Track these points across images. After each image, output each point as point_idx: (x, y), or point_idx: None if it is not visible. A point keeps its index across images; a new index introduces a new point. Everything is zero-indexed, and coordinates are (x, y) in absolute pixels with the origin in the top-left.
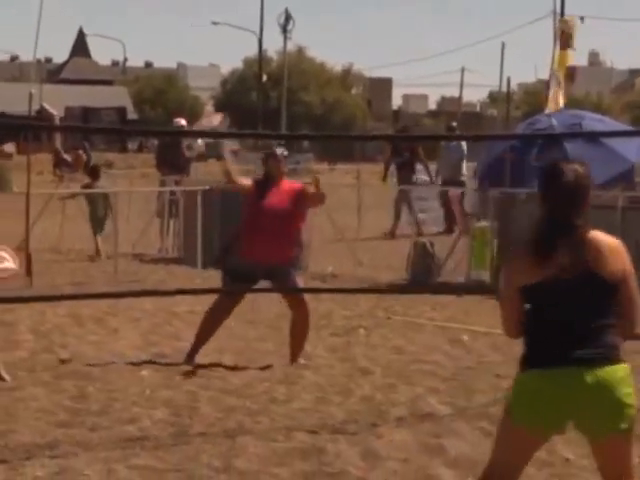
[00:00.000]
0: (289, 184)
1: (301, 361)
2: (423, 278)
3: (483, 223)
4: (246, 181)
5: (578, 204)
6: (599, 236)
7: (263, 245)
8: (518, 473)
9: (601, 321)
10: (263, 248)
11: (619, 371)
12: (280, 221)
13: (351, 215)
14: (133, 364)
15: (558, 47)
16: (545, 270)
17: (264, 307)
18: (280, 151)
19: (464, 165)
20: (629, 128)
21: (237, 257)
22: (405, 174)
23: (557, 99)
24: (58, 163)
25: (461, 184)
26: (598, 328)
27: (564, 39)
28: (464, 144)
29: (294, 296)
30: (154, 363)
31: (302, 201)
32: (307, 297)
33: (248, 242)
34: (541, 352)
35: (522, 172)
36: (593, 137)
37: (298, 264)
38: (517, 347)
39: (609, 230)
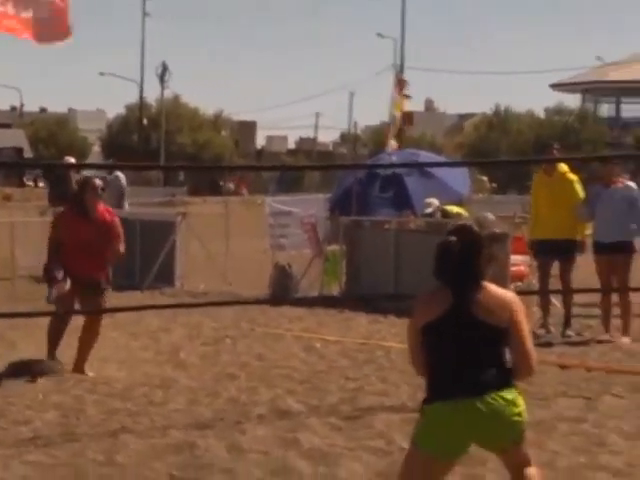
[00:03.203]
0: (103, 210)
1: (89, 373)
2: (282, 294)
3: (334, 246)
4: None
5: (470, 264)
6: (489, 288)
7: (81, 264)
8: None
9: (488, 357)
10: (81, 266)
11: (508, 395)
12: (96, 242)
13: (221, 240)
14: (29, 373)
15: (396, 95)
16: (440, 311)
17: (147, 320)
18: (98, 182)
19: (126, 199)
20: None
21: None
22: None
23: (391, 139)
24: None
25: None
26: (486, 362)
27: (400, 88)
28: (123, 180)
29: (93, 310)
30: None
31: (113, 227)
32: (181, 311)
33: (69, 261)
34: (440, 385)
35: (367, 203)
36: (428, 172)
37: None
38: (363, 354)
39: None
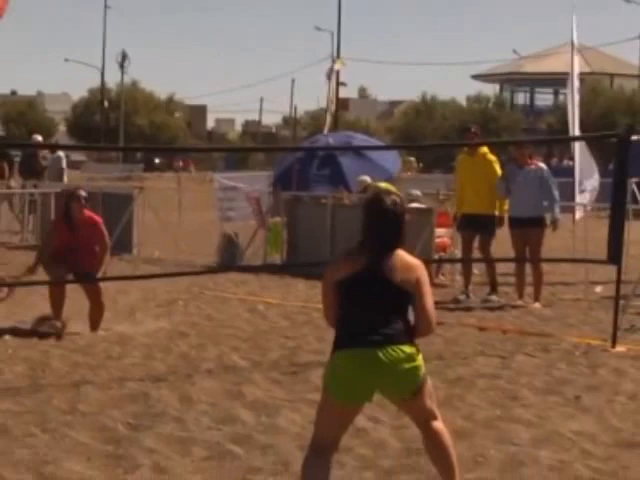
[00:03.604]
0: (89, 217)
1: (100, 332)
2: (229, 261)
3: (276, 218)
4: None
5: (390, 228)
6: (400, 253)
7: (75, 261)
8: (338, 439)
9: (393, 314)
10: (75, 263)
11: (407, 349)
12: (86, 245)
13: (174, 212)
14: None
15: (333, 82)
16: (355, 269)
17: (106, 284)
18: (83, 193)
19: (65, 175)
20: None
21: (55, 259)
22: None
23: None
24: None
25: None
26: (390, 318)
27: (337, 76)
28: (63, 160)
29: (93, 293)
30: (16, 329)
31: (99, 229)
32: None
33: (64, 255)
34: (346, 336)
35: (306, 180)
36: (361, 153)
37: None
38: (301, 315)
39: None
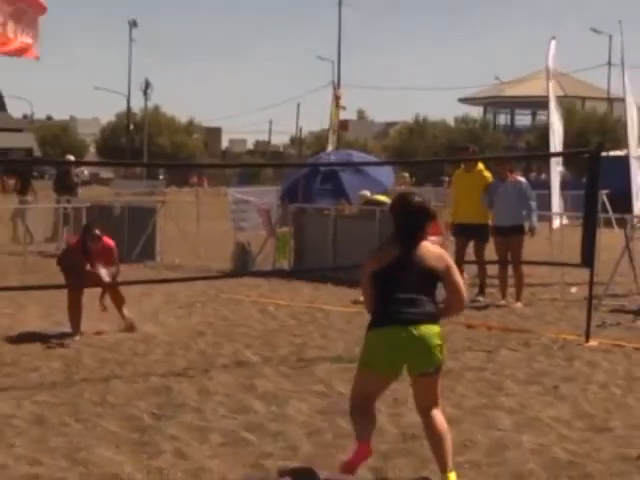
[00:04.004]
0: (103, 245)
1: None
2: (242, 267)
3: (284, 228)
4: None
5: (416, 224)
6: (425, 244)
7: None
8: (373, 401)
9: (422, 296)
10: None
11: (433, 329)
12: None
13: (192, 223)
14: (36, 330)
15: (334, 106)
16: (389, 260)
17: (132, 288)
18: (97, 232)
19: (79, 191)
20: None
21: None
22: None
23: (330, 142)
24: None
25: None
26: (420, 300)
27: (338, 100)
28: (80, 175)
29: (113, 293)
30: (52, 329)
31: (111, 252)
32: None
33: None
34: (382, 316)
35: (310, 193)
36: (360, 169)
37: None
38: (307, 315)
39: (370, 232)
